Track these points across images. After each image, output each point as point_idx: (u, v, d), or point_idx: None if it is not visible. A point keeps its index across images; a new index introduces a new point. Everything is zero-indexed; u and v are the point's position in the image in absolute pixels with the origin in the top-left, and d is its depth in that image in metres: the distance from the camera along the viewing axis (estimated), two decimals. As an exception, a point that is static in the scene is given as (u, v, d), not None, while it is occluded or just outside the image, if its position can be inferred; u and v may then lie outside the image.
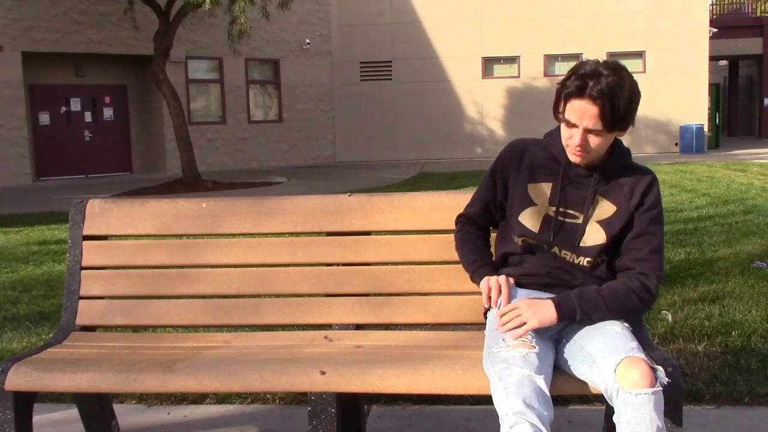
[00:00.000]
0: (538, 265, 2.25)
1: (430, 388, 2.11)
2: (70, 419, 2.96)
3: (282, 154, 22.05)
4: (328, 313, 2.64)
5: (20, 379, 2.24)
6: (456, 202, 2.58)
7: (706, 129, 22.72)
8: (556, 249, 2.22)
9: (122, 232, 2.75)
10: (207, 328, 3.34)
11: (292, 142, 22.26)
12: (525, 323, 2.05)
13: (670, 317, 4.13)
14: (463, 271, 2.49)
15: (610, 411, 2.01)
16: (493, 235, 2.48)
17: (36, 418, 2.46)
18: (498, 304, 2.19)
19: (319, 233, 2.69)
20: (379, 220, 2.65)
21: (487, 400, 2.07)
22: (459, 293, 2.57)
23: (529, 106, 22.26)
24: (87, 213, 2.76)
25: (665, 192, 11.08)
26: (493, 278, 2.24)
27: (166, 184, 15.41)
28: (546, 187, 2.24)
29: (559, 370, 2.12)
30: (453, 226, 2.49)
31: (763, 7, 34.65)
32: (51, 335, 4.16)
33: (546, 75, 22.58)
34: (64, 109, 18.88)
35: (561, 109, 2.12)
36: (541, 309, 2.07)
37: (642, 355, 1.94)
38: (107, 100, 19.62)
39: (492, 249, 2.46)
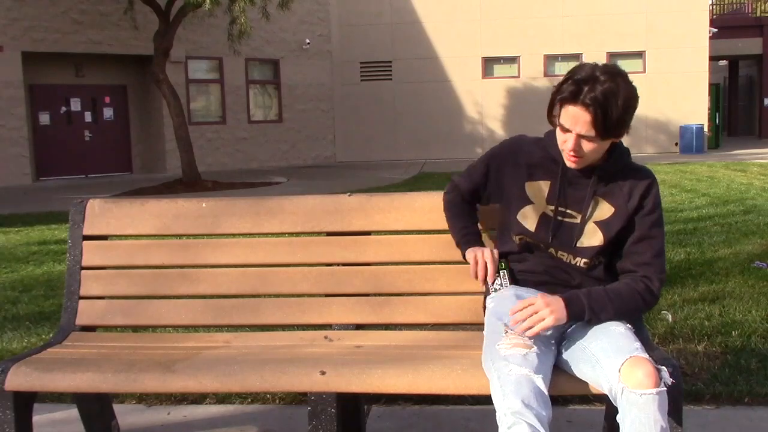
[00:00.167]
0: (536, 264, 2.25)
1: (430, 388, 2.11)
2: (70, 419, 2.96)
3: (282, 154, 22.06)
4: (328, 313, 2.64)
5: (20, 379, 2.24)
6: (456, 202, 2.58)
7: (706, 129, 22.72)
8: (552, 250, 2.22)
9: (122, 232, 2.75)
10: (207, 328, 3.34)
11: (292, 142, 22.26)
12: (542, 321, 2.03)
13: (670, 317, 4.14)
14: (464, 271, 2.49)
15: (610, 411, 2.01)
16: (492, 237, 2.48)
17: (36, 418, 2.46)
18: (493, 288, 2.18)
19: (319, 233, 2.69)
20: (379, 220, 2.65)
21: (487, 400, 2.07)
22: (459, 293, 2.57)
23: (529, 106, 22.26)
24: (87, 213, 2.76)
25: (665, 192, 11.08)
26: (479, 252, 2.26)
27: (166, 184, 15.41)
28: (544, 186, 2.23)
29: (559, 370, 2.11)
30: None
31: (763, 7, 34.65)
32: (51, 335, 4.16)
33: (546, 75, 22.58)
34: (64, 109, 18.88)
35: (556, 113, 2.12)
36: (556, 308, 2.05)
37: (646, 356, 1.94)
38: (107, 100, 19.62)
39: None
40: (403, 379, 2.12)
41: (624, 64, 22.52)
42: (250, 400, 3.18)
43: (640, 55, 22.63)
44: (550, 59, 22.65)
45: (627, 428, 1.88)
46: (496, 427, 1.90)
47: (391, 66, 23.32)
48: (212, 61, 20.55)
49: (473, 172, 2.40)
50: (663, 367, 1.93)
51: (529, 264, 2.27)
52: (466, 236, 2.36)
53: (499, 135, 22.81)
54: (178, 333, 3.48)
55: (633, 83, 2.11)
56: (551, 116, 2.15)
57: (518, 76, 22.82)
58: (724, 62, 33.39)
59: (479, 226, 2.46)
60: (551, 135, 2.26)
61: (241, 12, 14.79)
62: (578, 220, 2.19)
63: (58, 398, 3.18)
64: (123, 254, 2.74)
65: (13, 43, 17.29)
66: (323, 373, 2.16)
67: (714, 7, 32.38)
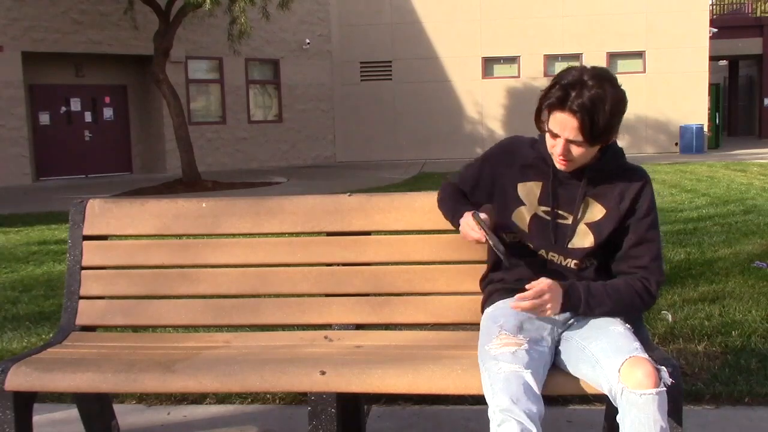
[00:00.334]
0: (527, 266, 2.24)
1: (430, 388, 2.11)
2: (70, 419, 2.96)
3: (282, 154, 22.06)
4: (328, 313, 2.64)
5: (20, 379, 2.25)
6: (456, 202, 2.58)
7: (706, 129, 22.72)
8: (543, 251, 2.22)
9: (122, 232, 2.75)
10: (207, 328, 3.34)
11: (292, 142, 22.26)
12: (548, 311, 2.05)
13: (670, 317, 4.14)
14: (463, 271, 2.50)
15: (610, 411, 2.01)
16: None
17: (36, 418, 2.46)
18: (496, 248, 2.14)
19: (319, 233, 2.69)
20: (379, 220, 2.65)
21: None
22: (459, 293, 2.57)
23: (529, 106, 22.20)
24: (87, 213, 2.76)
25: (665, 192, 11.08)
26: (468, 215, 2.23)
27: (166, 184, 15.41)
28: (535, 187, 2.23)
29: (559, 370, 2.12)
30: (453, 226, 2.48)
31: (763, 7, 34.65)
32: (51, 335, 4.16)
33: (546, 75, 22.57)
34: (64, 109, 18.88)
35: (544, 118, 2.11)
36: (554, 298, 2.05)
37: (646, 356, 1.95)
38: (107, 100, 19.62)
39: (485, 255, 2.45)
40: (403, 379, 2.12)
41: (624, 64, 22.58)
42: (250, 400, 3.18)
43: (640, 55, 22.63)
44: (550, 59, 22.64)
45: (627, 428, 1.88)
46: (495, 426, 1.90)
47: (391, 66, 23.32)
48: (212, 61, 20.55)
49: (468, 169, 2.40)
50: (663, 367, 1.93)
51: (522, 269, 2.25)
52: (460, 210, 2.31)
53: (499, 135, 22.81)
54: (178, 333, 3.48)
55: (621, 87, 2.08)
56: (539, 122, 2.14)
57: (518, 76, 22.82)
58: (724, 62, 33.38)
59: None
60: (543, 135, 2.26)
61: (241, 12, 14.79)
62: (568, 221, 2.19)
63: (58, 398, 3.18)
64: (123, 254, 2.74)
65: (13, 43, 17.29)
66: (323, 373, 2.16)
67: (714, 7, 32.38)
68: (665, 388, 1.89)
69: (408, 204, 2.65)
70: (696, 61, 22.46)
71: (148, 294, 2.71)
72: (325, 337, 2.56)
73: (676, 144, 22.52)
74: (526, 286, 2.04)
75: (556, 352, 2.16)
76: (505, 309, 2.21)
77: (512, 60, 22.91)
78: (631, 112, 22.41)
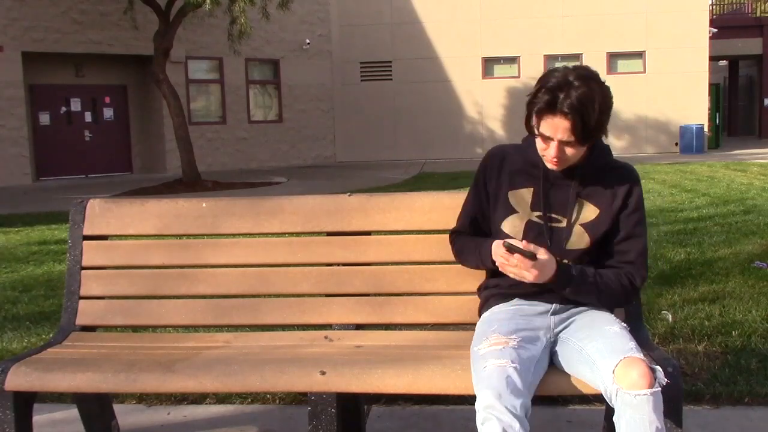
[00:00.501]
0: None
1: (430, 388, 2.11)
2: (70, 419, 2.96)
3: (282, 154, 22.06)
4: (328, 313, 2.64)
5: (20, 379, 2.25)
6: (456, 202, 2.57)
7: (706, 129, 22.72)
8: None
9: (122, 232, 2.75)
10: (207, 328, 3.34)
11: (292, 142, 22.26)
12: (523, 276, 2.07)
13: (670, 317, 4.13)
14: (463, 271, 2.49)
15: (610, 411, 2.01)
16: None
17: (36, 418, 2.46)
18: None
19: (319, 233, 2.69)
20: (379, 220, 2.65)
21: (487, 400, 2.06)
22: (459, 293, 2.57)
23: (529, 106, 22.21)
24: (87, 213, 2.76)
25: (665, 192, 11.08)
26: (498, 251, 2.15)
27: (166, 184, 15.41)
28: (527, 193, 2.22)
29: (558, 370, 2.12)
30: (453, 226, 2.48)
31: (763, 7, 34.65)
32: (51, 335, 4.16)
33: (546, 75, 22.55)
34: (64, 109, 18.88)
35: (534, 123, 2.11)
36: (544, 273, 2.07)
37: (641, 355, 1.94)
38: (107, 100, 19.62)
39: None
40: (403, 379, 2.12)
41: (624, 64, 22.59)
42: (250, 400, 3.18)
43: (640, 55, 22.63)
44: (550, 59, 22.64)
45: (622, 429, 1.88)
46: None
47: (391, 66, 23.32)
48: (212, 61, 20.55)
49: (465, 207, 2.37)
50: (658, 366, 1.93)
51: None
52: (484, 249, 2.24)
53: (499, 135, 22.83)
54: (178, 333, 3.48)
55: (605, 83, 2.09)
56: (530, 127, 2.15)
57: (518, 76, 22.83)
58: (724, 62, 33.38)
59: None
60: (529, 139, 2.25)
61: (241, 12, 14.79)
62: (563, 224, 2.19)
63: (58, 398, 3.17)
64: (123, 254, 2.74)
65: (13, 43, 17.29)
66: (323, 373, 2.16)
67: (714, 7, 32.37)
68: (660, 389, 1.89)
69: (408, 204, 2.65)
70: (696, 61, 22.47)
71: (148, 294, 2.71)
72: (325, 337, 2.56)
73: (676, 144, 22.52)
74: (531, 247, 2.05)
75: (554, 353, 2.16)
76: (500, 314, 2.21)
77: (512, 60, 22.91)
78: (631, 112, 22.32)
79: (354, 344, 2.48)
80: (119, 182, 17.41)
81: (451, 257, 2.56)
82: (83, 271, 2.73)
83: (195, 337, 2.67)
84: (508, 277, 2.25)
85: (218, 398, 3.21)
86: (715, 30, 24.40)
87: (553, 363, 2.15)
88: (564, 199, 2.19)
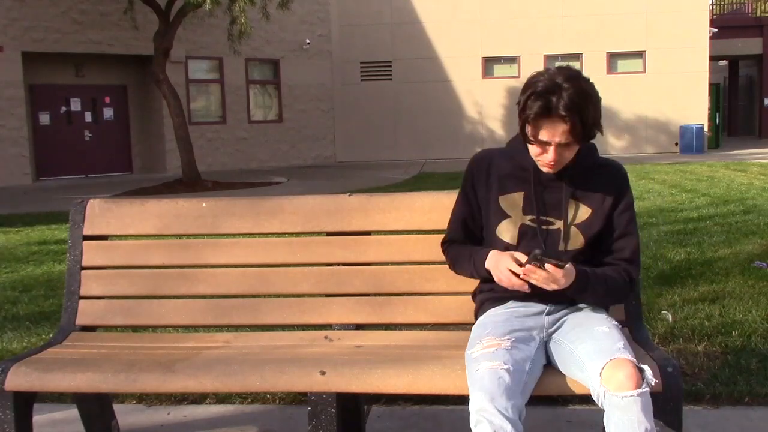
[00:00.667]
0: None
1: (430, 388, 2.11)
2: (70, 419, 2.96)
3: (282, 154, 22.06)
4: (328, 313, 2.64)
5: (20, 379, 2.25)
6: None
7: (706, 129, 22.72)
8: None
9: (122, 232, 2.75)
10: (207, 328, 3.34)
11: (292, 142, 22.26)
12: (554, 286, 2.04)
13: (670, 317, 4.13)
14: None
15: (610, 411, 2.01)
16: None
17: (36, 418, 2.46)
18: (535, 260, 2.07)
19: (319, 233, 2.69)
20: (379, 220, 2.65)
21: (487, 400, 2.06)
22: (459, 293, 2.57)
23: (529, 106, 22.19)
24: (87, 213, 2.76)
25: (665, 192, 11.08)
26: (497, 267, 2.13)
27: (166, 184, 15.41)
28: (518, 197, 2.21)
29: (555, 370, 2.12)
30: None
31: (763, 7, 34.64)
32: (51, 335, 4.16)
33: (546, 75, 22.55)
34: (64, 109, 18.88)
35: (529, 131, 2.09)
36: (568, 279, 2.05)
37: (628, 356, 1.94)
38: (107, 100, 19.62)
39: None
40: (403, 379, 2.12)
41: (624, 64, 22.59)
42: (250, 400, 3.18)
43: (640, 55, 22.63)
44: (550, 59, 22.64)
45: (612, 431, 1.87)
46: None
47: (391, 66, 23.32)
48: (212, 61, 20.55)
49: (455, 213, 2.36)
50: (646, 366, 1.92)
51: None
52: (476, 257, 2.22)
53: (499, 135, 22.81)
54: (178, 333, 3.48)
55: (589, 79, 2.10)
56: (525, 135, 2.12)
57: (518, 76, 22.81)
58: (724, 62, 33.38)
59: None
60: (515, 143, 2.24)
61: (241, 12, 14.79)
62: (557, 226, 2.19)
63: (58, 398, 3.17)
64: (123, 254, 2.74)
65: (13, 43, 17.29)
66: (323, 373, 2.16)
67: (714, 7, 32.37)
68: (648, 389, 1.88)
69: (408, 204, 2.65)
70: (696, 61, 22.46)
71: (148, 294, 2.71)
72: (325, 337, 2.56)
73: (676, 144, 22.52)
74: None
75: (551, 353, 2.16)
76: (495, 316, 2.21)
77: (512, 60, 22.91)
78: (630, 112, 22.30)
79: (354, 344, 2.48)
80: (119, 182, 17.41)
81: (451, 257, 2.56)
82: (83, 271, 2.73)
83: (195, 337, 2.67)
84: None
85: (218, 398, 3.21)
86: (715, 30, 24.39)
87: (550, 363, 2.15)
88: (557, 200, 2.19)
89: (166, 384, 2.20)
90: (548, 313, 2.20)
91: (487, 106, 23.15)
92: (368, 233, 2.66)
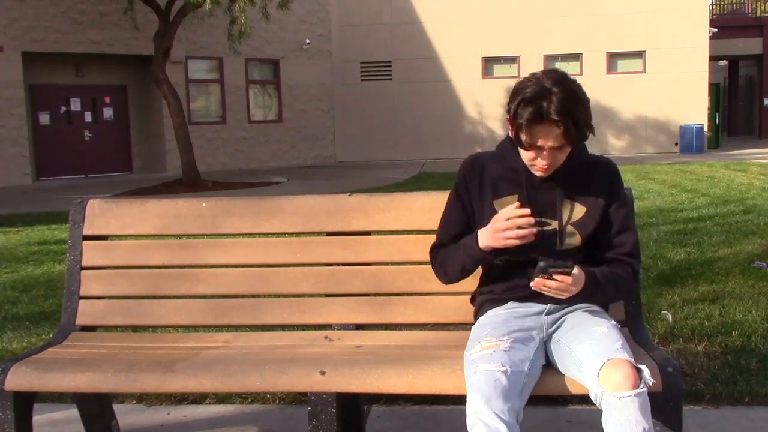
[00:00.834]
0: (521, 278, 2.21)
1: (430, 388, 2.11)
2: (70, 419, 2.96)
3: (282, 154, 22.06)
4: (328, 313, 2.64)
5: (20, 379, 2.25)
6: (456, 202, 2.57)
7: (706, 129, 22.72)
8: (534, 255, 2.21)
9: (122, 232, 2.75)
10: (207, 328, 3.34)
11: (292, 142, 22.26)
12: (566, 295, 2.04)
13: (670, 317, 4.13)
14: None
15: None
16: None
17: (36, 418, 2.46)
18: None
19: (319, 233, 2.69)
20: (379, 220, 2.65)
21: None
22: (459, 293, 2.57)
23: (529, 106, 22.17)
24: (87, 213, 2.76)
25: (665, 192, 11.08)
26: (493, 224, 2.12)
27: (166, 184, 15.41)
28: (512, 200, 2.20)
29: (554, 369, 2.12)
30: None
31: (763, 7, 34.64)
32: (51, 335, 4.16)
33: (546, 75, 22.54)
34: (64, 109, 18.88)
35: (524, 138, 2.08)
36: (579, 284, 2.04)
37: (626, 356, 1.94)
38: (107, 100, 19.62)
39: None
40: (403, 379, 2.12)
41: (624, 64, 22.58)
42: (250, 400, 3.18)
43: (640, 55, 22.62)
44: (550, 59, 22.64)
45: (609, 431, 1.87)
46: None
47: (391, 66, 23.32)
48: (212, 61, 20.55)
49: (446, 218, 2.32)
50: (644, 366, 1.92)
51: (514, 280, 2.23)
52: (467, 244, 2.20)
53: (499, 135, 22.81)
54: (178, 333, 3.48)
55: (576, 81, 2.09)
56: (520, 141, 2.11)
57: (518, 76, 22.63)
58: (724, 62, 33.37)
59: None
60: (505, 146, 2.24)
61: (241, 12, 14.79)
62: (555, 226, 2.19)
63: (58, 398, 3.17)
64: (123, 254, 2.74)
65: (13, 43, 17.29)
66: (323, 373, 2.16)
67: (714, 7, 32.37)
68: (646, 389, 1.88)
69: (408, 204, 2.65)
70: (696, 61, 22.46)
71: (148, 294, 2.71)
72: (325, 337, 2.56)
73: (676, 144, 22.51)
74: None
75: (551, 353, 2.16)
76: (494, 317, 2.21)
77: (512, 60, 22.90)
78: (630, 112, 22.24)
79: (354, 344, 2.48)
80: (119, 182, 17.41)
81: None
82: (83, 271, 2.73)
83: (195, 337, 2.67)
84: (500, 282, 2.25)
85: (218, 398, 3.21)
86: (715, 30, 24.39)
87: (550, 363, 2.15)
88: (551, 201, 2.19)
89: (166, 384, 2.20)
90: (548, 313, 2.20)
91: (487, 106, 23.15)
92: (368, 233, 2.66)
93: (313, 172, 19.23)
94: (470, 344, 2.12)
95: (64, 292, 2.76)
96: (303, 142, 22.48)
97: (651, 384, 1.90)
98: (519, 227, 2.07)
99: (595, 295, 2.11)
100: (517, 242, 2.08)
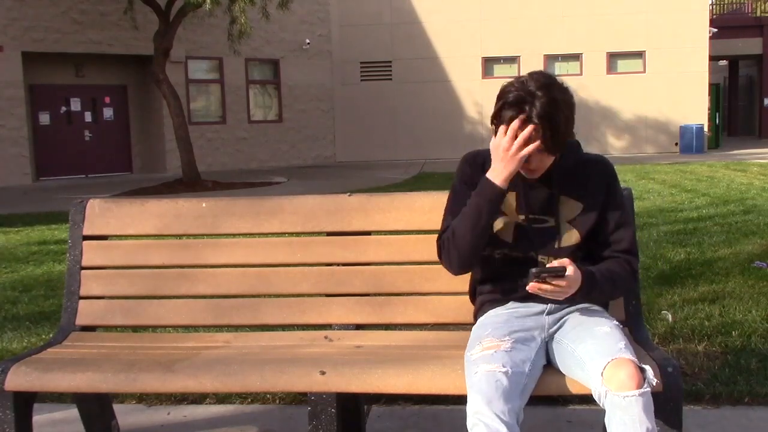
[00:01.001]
0: (518, 278, 2.20)
1: (430, 388, 2.11)
2: (70, 419, 2.96)
3: (282, 154, 22.06)
4: (328, 313, 2.64)
5: (20, 379, 2.25)
6: (456, 202, 2.57)
7: (706, 129, 22.72)
8: (532, 254, 2.21)
9: (122, 232, 2.75)
10: (207, 328, 3.34)
11: (292, 142, 22.26)
12: (561, 296, 2.03)
13: (670, 317, 4.14)
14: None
15: (610, 411, 2.01)
16: None
17: (36, 418, 2.46)
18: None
19: (319, 233, 2.69)
20: (379, 220, 2.65)
21: (487, 400, 2.06)
22: (459, 293, 2.57)
23: (529, 106, 22.18)
24: (87, 213, 2.76)
25: (665, 192, 11.08)
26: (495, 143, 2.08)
27: (166, 184, 15.41)
28: (510, 197, 2.21)
29: (555, 370, 2.12)
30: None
31: (763, 7, 34.64)
32: (51, 335, 4.16)
33: (546, 75, 22.54)
34: (64, 109, 18.88)
35: None
36: (575, 284, 2.04)
37: (629, 356, 1.94)
38: (107, 100, 19.62)
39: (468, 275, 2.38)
40: (403, 379, 2.12)
41: (624, 64, 22.57)
42: (250, 400, 3.18)
43: (640, 55, 22.62)
44: (550, 59, 22.65)
45: (613, 431, 1.87)
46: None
47: (391, 66, 23.32)
48: (212, 61, 20.55)
49: (452, 207, 2.28)
50: (647, 366, 1.92)
51: (512, 280, 2.23)
52: (478, 193, 2.13)
53: (499, 135, 22.77)
54: (178, 333, 3.48)
55: (563, 83, 2.09)
56: None
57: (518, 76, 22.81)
58: (724, 62, 33.38)
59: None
60: None
61: (241, 12, 14.79)
62: (550, 224, 2.19)
63: (58, 398, 3.18)
64: (123, 254, 2.74)
65: (13, 43, 17.29)
66: (323, 373, 2.16)
67: (714, 7, 32.37)
68: (650, 389, 1.88)
69: (408, 204, 2.65)
70: (696, 61, 22.46)
71: (148, 294, 2.71)
72: (325, 337, 2.56)
73: (676, 144, 22.52)
74: (555, 263, 2.01)
75: (552, 353, 2.16)
76: (495, 317, 2.21)
77: (512, 60, 22.91)
78: (630, 112, 22.24)
79: (354, 344, 2.48)
80: (119, 182, 17.41)
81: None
82: (83, 271, 2.73)
83: (195, 337, 2.67)
84: (500, 282, 2.25)
85: (218, 398, 3.21)
86: (715, 30, 24.40)
87: (551, 363, 2.15)
88: (547, 199, 2.20)
89: (166, 384, 2.20)
90: (549, 313, 2.20)
91: (487, 106, 23.12)
92: (368, 233, 2.66)
93: (313, 172, 19.23)
94: (471, 344, 2.12)
95: (64, 292, 2.76)
96: (303, 142, 22.48)
97: (655, 384, 1.90)
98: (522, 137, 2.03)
99: (592, 293, 2.11)
100: (530, 150, 2.03)
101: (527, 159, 2.08)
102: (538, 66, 22.60)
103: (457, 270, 2.23)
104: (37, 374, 2.24)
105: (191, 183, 15.12)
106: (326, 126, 23.06)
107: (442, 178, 15.40)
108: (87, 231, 2.74)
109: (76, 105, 19.07)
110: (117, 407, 2.96)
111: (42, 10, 17.59)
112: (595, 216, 2.20)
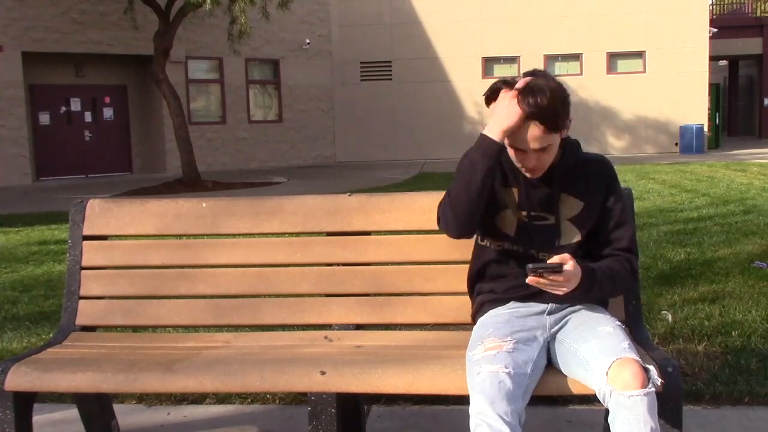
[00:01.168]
0: (517, 276, 2.21)
1: (430, 388, 2.11)
2: (70, 419, 2.96)
3: (282, 154, 22.06)
4: (328, 313, 2.64)
5: (20, 379, 2.25)
6: (456, 202, 2.57)
7: (706, 129, 22.72)
8: (533, 252, 2.22)
9: (122, 232, 2.75)
10: (207, 328, 3.34)
11: (292, 142, 22.26)
12: (560, 291, 2.04)
13: (670, 317, 4.14)
14: (463, 271, 2.48)
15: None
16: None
17: (36, 418, 2.46)
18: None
19: (319, 233, 2.69)
20: (379, 220, 2.65)
21: (487, 400, 2.06)
22: (459, 293, 2.57)
23: (529, 106, 22.19)
24: (87, 213, 2.76)
25: (665, 192, 11.08)
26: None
27: (166, 184, 15.41)
28: (514, 192, 2.23)
29: (556, 370, 2.12)
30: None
31: (763, 7, 34.64)
32: (51, 335, 4.16)
33: (546, 75, 22.55)
34: (64, 109, 18.88)
35: (506, 140, 2.12)
36: (574, 280, 2.04)
37: (634, 355, 1.94)
38: (107, 100, 19.62)
39: (467, 269, 2.40)
40: (403, 379, 2.12)
41: (624, 64, 22.57)
42: (250, 400, 3.18)
43: (640, 55, 22.62)
44: (550, 59, 22.65)
45: (617, 430, 1.87)
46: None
47: (391, 66, 23.32)
48: (212, 61, 20.55)
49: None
50: (651, 366, 1.93)
51: (512, 279, 2.24)
52: (475, 149, 2.16)
53: (499, 135, 22.78)
54: (178, 333, 3.48)
55: (553, 76, 2.13)
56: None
57: (518, 76, 22.78)
58: (724, 62, 33.38)
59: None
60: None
61: (241, 12, 14.79)
62: (551, 221, 2.20)
63: (58, 398, 3.18)
64: (123, 254, 2.74)
65: (13, 43, 17.29)
66: (323, 373, 2.16)
67: (714, 7, 32.38)
68: (654, 389, 1.89)
69: (408, 204, 2.65)
70: (696, 61, 22.46)
71: (148, 294, 2.71)
72: (325, 337, 2.56)
73: (676, 144, 22.52)
74: (556, 258, 2.01)
75: (553, 353, 2.16)
76: (496, 317, 2.21)
77: (512, 60, 22.91)
78: (630, 112, 22.21)
79: (354, 344, 2.48)
80: (119, 182, 17.41)
81: (451, 257, 2.56)
82: (83, 271, 2.73)
83: (195, 337, 2.67)
84: (502, 281, 2.25)
85: (218, 398, 3.21)
86: (715, 30, 24.40)
87: (552, 363, 2.15)
88: (548, 198, 2.21)
89: (166, 384, 2.20)
90: (550, 312, 2.20)
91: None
92: (368, 233, 2.66)
93: (313, 172, 19.23)
94: (472, 344, 2.12)
95: (64, 292, 2.76)
96: (303, 142, 22.48)
97: (659, 384, 1.90)
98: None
99: (592, 290, 2.11)
100: (524, 87, 2.07)
101: (530, 157, 2.08)
102: (538, 66, 22.53)
103: (454, 231, 2.21)
104: (37, 374, 2.24)
105: (191, 183, 15.12)
106: (326, 126, 23.06)
107: (442, 178, 15.40)
108: (87, 231, 2.74)
109: (76, 105, 19.08)
110: (117, 407, 2.96)
111: (42, 10, 17.59)
112: (594, 214, 2.21)
